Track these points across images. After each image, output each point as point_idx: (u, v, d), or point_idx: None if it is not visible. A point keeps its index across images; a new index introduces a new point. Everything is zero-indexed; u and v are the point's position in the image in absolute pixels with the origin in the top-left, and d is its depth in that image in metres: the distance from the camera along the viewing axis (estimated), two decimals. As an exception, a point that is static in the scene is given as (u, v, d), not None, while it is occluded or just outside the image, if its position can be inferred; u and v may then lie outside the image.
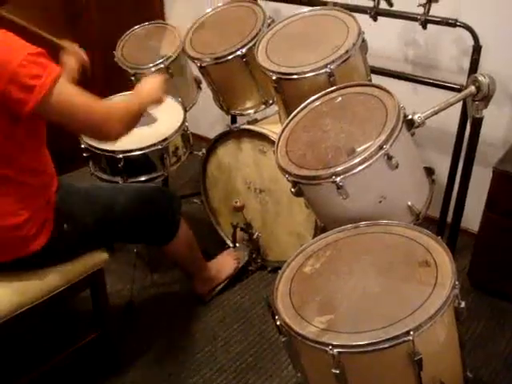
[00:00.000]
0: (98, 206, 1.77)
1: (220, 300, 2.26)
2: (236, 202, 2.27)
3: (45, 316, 2.04)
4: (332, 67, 1.77)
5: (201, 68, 2.20)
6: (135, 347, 2.06)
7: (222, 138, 2.33)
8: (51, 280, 1.67)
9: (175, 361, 2.01)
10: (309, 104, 1.74)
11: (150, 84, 1.76)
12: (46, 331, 2.11)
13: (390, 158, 1.47)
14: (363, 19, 1.95)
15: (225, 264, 2.30)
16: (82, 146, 2.08)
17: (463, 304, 1.29)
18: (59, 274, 1.69)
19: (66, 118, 1.47)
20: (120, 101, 1.78)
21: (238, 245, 2.40)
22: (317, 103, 1.74)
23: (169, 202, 1.93)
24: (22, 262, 1.63)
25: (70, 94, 1.46)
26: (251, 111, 2.31)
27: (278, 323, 1.33)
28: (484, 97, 1.71)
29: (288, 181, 1.59)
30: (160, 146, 2.05)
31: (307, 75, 1.80)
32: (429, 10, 1.95)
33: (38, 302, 1.64)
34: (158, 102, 1.77)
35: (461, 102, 1.98)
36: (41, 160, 1.61)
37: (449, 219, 2.27)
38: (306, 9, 2.06)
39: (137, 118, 1.64)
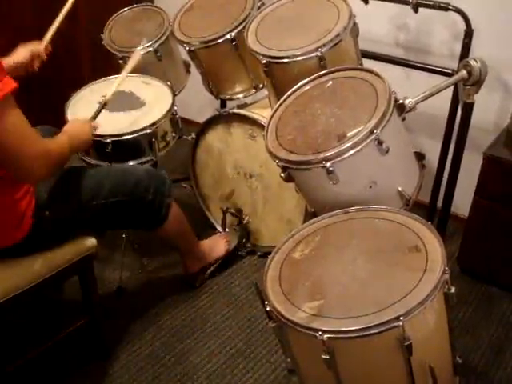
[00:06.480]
0: (82, 191, 1.74)
1: (210, 285, 2.25)
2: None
3: (33, 303, 2.03)
4: (323, 51, 1.75)
5: (190, 52, 2.18)
6: (124, 333, 2.05)
7: (212, 122, 2.31)
8: (38, 267, 1.65)
9: (164, 347, 2.00)
10: (299, 88, 1.72)
11: (80, 128, 1.79)
12: (34, 318, 2.09)
13: (380, 142, 1.46)
14: (354, 2, 1.93)
15: (216, 245, 2.30)
16: (70, 131, 2.05)
17: (453, 289, 1.29)
18: (46, 261, 1.67)
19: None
20: (52, 142, 1.58)
21: (228, 230, 2.39)
22: (307, 87, 1.72)
23: (157, 186, 1.89)
24: (6, 251, 1.61)
25: (16, 118, 1.40)
26: (241, 95, 2.28)
27: (267, 309, 1.33)
28: (475, 81, 1.70)
29: (278, 166, 1.58)
30: (149, 131, 2.02)
31: (298, 59, 1.78)
32: (420, -7, 1.93)
33: (24, 288, 1.62)
34: (86, 147, 1.83)
35: (452, 87, 1.97)
36: None
37: (439, 204, 2.26)
38: (296, -9, 2.04)
39: (62, 164, 1.62)
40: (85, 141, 1.79)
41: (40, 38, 1.99)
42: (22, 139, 1.42)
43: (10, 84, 1.37)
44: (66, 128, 1.76)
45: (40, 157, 1.47)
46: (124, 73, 2.03)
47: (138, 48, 2.17)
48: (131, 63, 2.05)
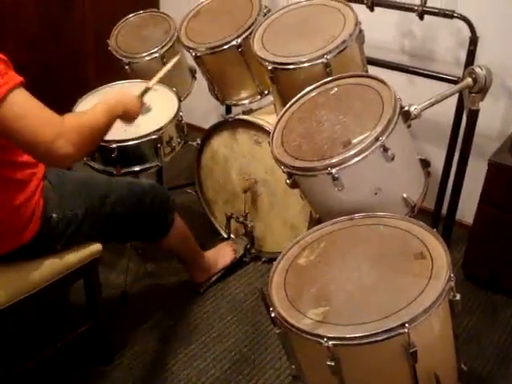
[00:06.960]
0: (89, 199, 1.74)
1: (214, 291, 2.25)
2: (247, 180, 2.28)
3: (38, 307, 2.03)
4: (329, 57, 1.76)
5: (196, 58, 2.18)
6: (128, 338, 2.05)
7: (217, 128, 2.32)
8: (43, 271, 1.65)
9: (169, 352, 2.01)
10: (305, 94, 1.73)
11: (130, 99, 1.71)
12: (39, 322, 2.10)
13: (386, 149, 1.46)
14: (360, 9, 1.93)
15: (222, 254, 2.31)
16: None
17: (458, 296, 1.29)
18: (52, 266, 1.67)
19: (13, 131, 1.38)
20: (72, 118, 1.54)
21: (232, 236, 2.40)
22: (313, 94, 1.72)
23: (162, 202, 1.93)
24: (14, 253, 1.61)
25: (25, 107, 1.39)
26: (246, 101, 2.29)
27: (272, 315, 1.32)
28: (481, 89, 1.70)
29: (283, 172, 1.58)
30: (154, 136, 2.03)
31: (304, 65, 1.78)
32: (426, 0, 1.93)
33: (30, 293, 1.63)
34: (131, 119, 1.72)
35: (457, 94, 1.97)
36: (19, 151, 1.53)
37: (444, 211, 2.26)
38: (302, -2, 2.05)
39: (98, 136, 1.56)
40: (128, 111, 1.67)
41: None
42: (34, 123, 1.38)
43: (15, 78, 1.38)
44: (111, 96, 1.67)
45: (59, 136, 1.40)
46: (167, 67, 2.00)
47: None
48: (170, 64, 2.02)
